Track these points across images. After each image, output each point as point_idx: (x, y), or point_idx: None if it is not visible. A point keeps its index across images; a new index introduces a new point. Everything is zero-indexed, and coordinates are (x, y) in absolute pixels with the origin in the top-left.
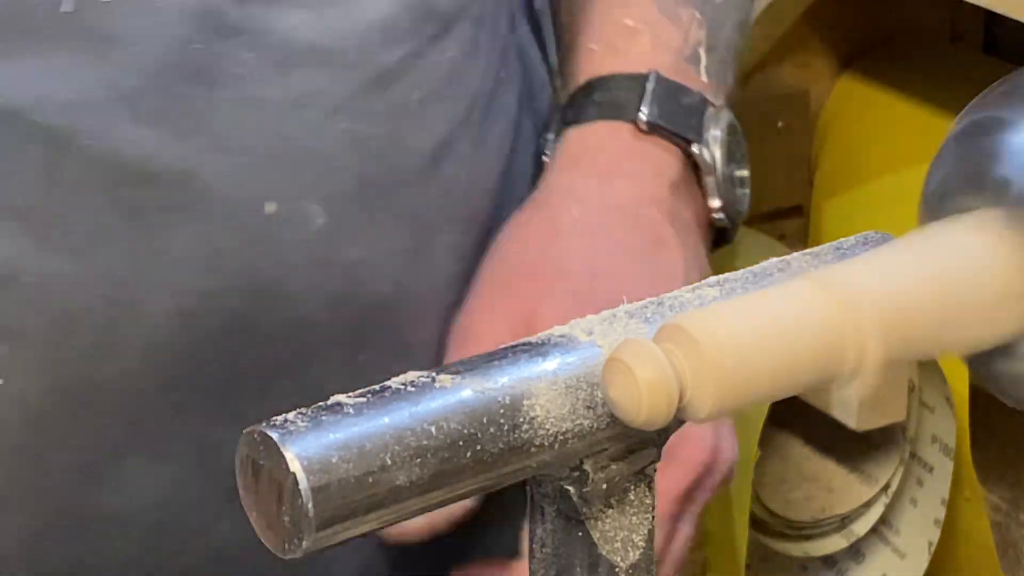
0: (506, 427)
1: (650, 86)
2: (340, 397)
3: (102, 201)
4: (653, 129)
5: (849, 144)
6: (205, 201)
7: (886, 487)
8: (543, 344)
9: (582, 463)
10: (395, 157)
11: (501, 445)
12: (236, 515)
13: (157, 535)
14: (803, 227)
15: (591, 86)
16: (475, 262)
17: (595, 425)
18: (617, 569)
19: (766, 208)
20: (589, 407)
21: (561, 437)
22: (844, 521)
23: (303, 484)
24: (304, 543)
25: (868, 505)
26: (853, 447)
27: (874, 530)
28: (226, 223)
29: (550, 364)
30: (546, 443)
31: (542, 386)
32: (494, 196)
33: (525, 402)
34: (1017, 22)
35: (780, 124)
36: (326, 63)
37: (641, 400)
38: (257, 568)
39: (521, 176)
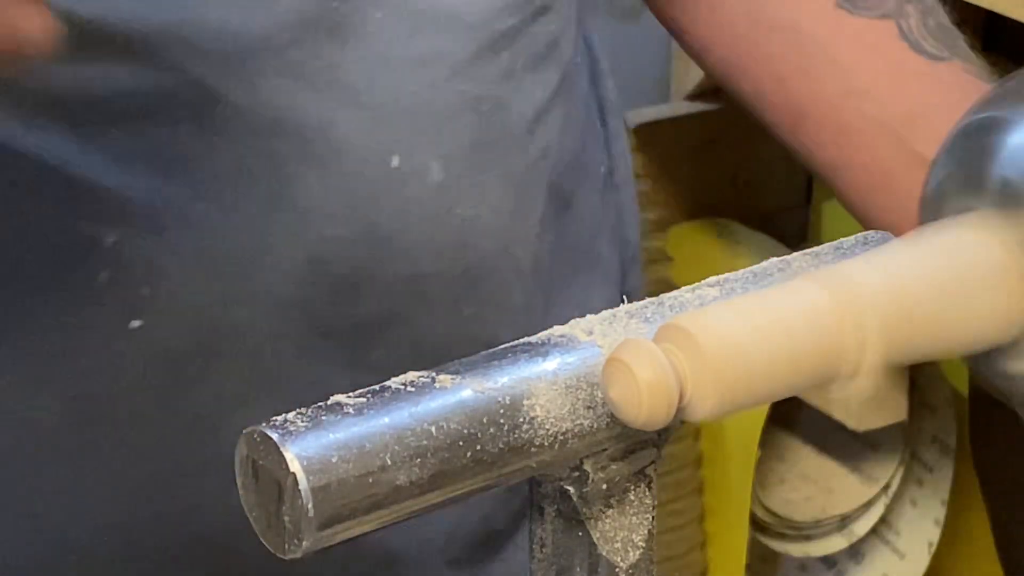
0: (506, 427)
1: None
2: (340, 397)
3: (245, 150)
4: None
5: None
6: (338, 153)
7: (886, 487)
8: (543, 344)
9: (582, 463)
10: (501, 120)
11: (501, 445)
12: None
13: None
14: (803, 227)
15: None
16: (561, 238)
17: (595, 425)
18: (617, 569)
19: (766, 208)
20: (589, 407)
21: (561, 437)
22: (844, 521)
23: (303, 484)
24: (304, 543)
25: (868, 505)
26: (853, 447)
27: (874, 530)
28: (355, 175)
29: (550, 364)
30: (546, 443)
31: (542, 386)
32: (573, 171)
33: (525, 402)
34: (1017, 22)
35: None
36: (449, 27)
37: (641, 400)
38: None
39: (592, 157)
